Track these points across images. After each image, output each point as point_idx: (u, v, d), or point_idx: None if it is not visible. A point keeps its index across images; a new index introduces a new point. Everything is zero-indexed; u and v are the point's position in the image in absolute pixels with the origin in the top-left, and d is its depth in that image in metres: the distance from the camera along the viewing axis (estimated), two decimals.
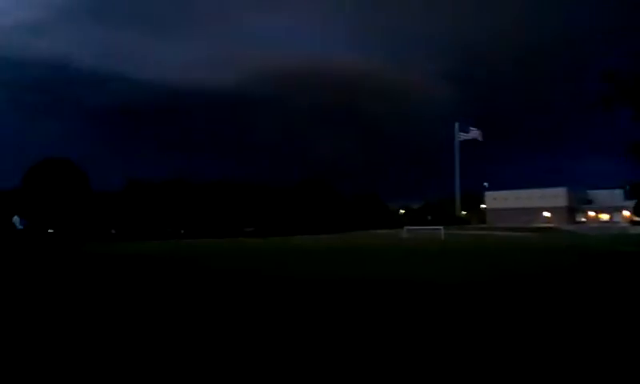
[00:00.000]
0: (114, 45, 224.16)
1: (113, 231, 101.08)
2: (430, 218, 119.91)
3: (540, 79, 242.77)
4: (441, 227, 69.07)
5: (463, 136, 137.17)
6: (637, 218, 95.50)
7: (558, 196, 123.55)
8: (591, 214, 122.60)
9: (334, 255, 30.53)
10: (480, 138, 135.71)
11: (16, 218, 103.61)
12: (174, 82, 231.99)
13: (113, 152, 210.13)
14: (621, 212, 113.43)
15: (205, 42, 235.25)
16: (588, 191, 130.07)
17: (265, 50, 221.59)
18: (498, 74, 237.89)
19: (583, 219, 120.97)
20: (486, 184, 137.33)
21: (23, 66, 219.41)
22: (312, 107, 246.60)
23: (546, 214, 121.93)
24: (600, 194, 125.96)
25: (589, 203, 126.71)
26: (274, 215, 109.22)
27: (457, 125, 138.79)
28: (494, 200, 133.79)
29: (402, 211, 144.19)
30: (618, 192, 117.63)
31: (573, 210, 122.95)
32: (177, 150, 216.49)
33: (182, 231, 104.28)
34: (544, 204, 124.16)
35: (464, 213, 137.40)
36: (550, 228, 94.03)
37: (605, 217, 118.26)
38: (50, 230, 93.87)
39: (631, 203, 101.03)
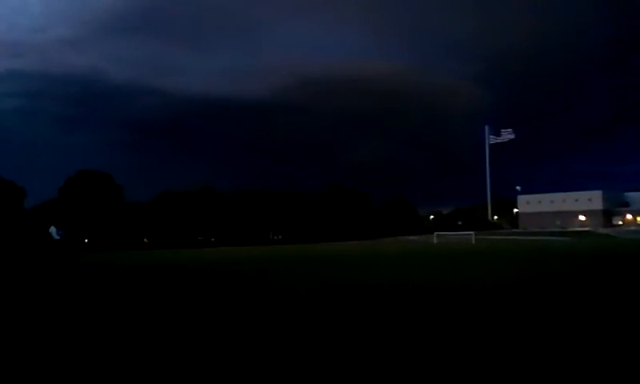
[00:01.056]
0: (148, 59, 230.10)
1: (145, 240, 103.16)
2: (460, 223, 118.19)
3: (574, 80, 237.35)
4: (472, 232, 68.01)
5: (494, 139, 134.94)
6: None
7: (593, 199, 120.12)
8: (628, 217, 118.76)
9: (373, 262, 30.40)
10: (511, 136, 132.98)
11: (53, 229, 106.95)
12: (205, 93, 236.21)
13: (145, 163, 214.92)
14: None
15: (234, 52, 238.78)
16: (625, 193, 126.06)
17: (294, 58, 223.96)
18: (531, 76, 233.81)
19: (620, 222, 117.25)
20: (518, 187, 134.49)
21: (61, 81, 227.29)
22: (341, 113, 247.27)
23: (581, 217, 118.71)
24: (637, 196, 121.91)
25: (626, 206, 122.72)
26: (301, 222, 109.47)
27: (487, 128, 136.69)
28: (527, 204, 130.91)
29: (431, 217, 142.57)
30: None
31: (609, 213, 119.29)
32: (207, 159, 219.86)
33: (213, 239, 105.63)
34: (579, 207, 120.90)
35: (496, 218, 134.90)
36: (585, 232, 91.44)
37: None
38: (85, 240, 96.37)
39: None
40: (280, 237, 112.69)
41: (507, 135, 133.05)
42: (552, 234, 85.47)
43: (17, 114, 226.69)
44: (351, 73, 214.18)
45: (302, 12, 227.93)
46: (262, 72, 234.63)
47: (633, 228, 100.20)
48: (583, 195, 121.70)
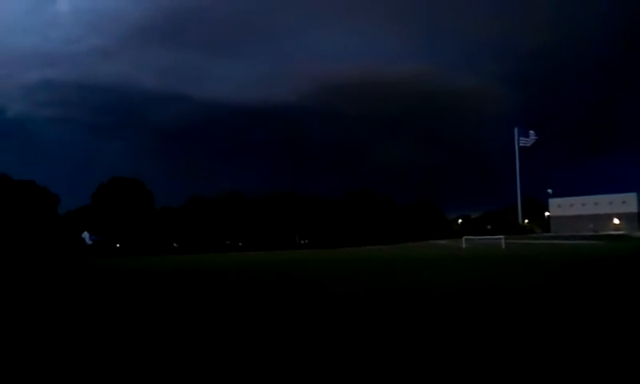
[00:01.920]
0: (178, 66, 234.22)
1: (175, 245, 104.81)
2: (489, 227, 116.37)
3: (607, 79, 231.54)
4: (501, 237, 66.92)
5: (523, 141, 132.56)
6: None
7: (627, 201, 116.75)
8: None
9: (407, 266, 30.23)
10: (533, 142, 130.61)
11: (86, 234, 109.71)
12: (234, 99, 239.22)
13: (175, 169, 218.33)
14: None
15: (261, 59, 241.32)
16: None
17: (320, 63, 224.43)
18: (561, 76, 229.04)
19: None
20: (549, 190, 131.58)
21: (93, 90, 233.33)
22: (368, 117, 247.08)
23: (616, 220, 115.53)
24: None
25: None
26: (328, 227, 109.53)
27: (516, 130, 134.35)
28: (558, 207, 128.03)
29: (459, 221, 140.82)
30: None
31: None
32: (235, 164, 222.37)
33: (240, 244, 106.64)
34: (613, 210, 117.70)
35: (526, 221, 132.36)
36: (619, 235, 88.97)
37: None
38: (117, 245, 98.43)
39: None
40: (307, 241, 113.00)
41: (532, 138, 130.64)
42: (585, 237, 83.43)
43: (51, 123, 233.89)
44: (377, 76, 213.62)
45: (327, 19, 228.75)
46: (288, 78, 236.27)
47: None
48: (617, 198, 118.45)
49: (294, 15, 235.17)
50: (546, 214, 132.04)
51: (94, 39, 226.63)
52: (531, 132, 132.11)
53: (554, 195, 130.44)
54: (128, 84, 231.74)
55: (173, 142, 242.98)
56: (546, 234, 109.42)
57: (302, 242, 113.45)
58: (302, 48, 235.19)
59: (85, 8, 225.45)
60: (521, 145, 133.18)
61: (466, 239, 71.05)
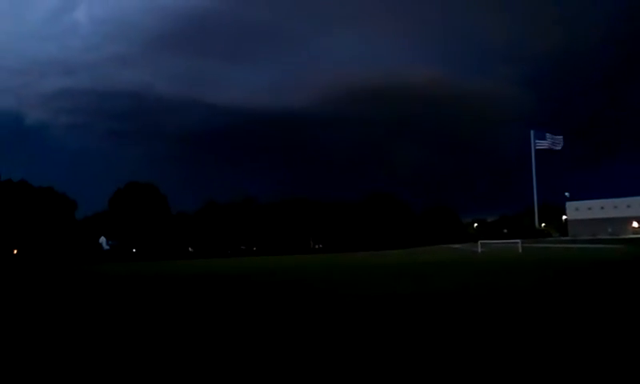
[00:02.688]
0: (194, 73, 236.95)
1: (190, 249, 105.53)
2: (505, 231, 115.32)
3: (623, 81, 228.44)
4: (518, 241, 66.13)
5: (539, 144, 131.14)
6: None
7: None
8: None
9: (425, 271, 30.10)
10: (558, 147, 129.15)
11: (103, 239, 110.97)
12: (250, 105, 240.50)
13: (191, 174, 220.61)
14: None
15: (277, 65, 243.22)
16: None
17: (336, 69, 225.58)
18: (577, 78, 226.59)
19: None
20: (567, 194, 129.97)
21: (111, 97, 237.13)
22: (383, 121, 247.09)
23: (635, 224, 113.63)
24: None
25: None
26: (342, 231, 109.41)
27: (532, 133, 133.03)
28: (576, 210, 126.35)
29: (475, 224, 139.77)
30: None
31: None
32: (251, 170, 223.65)
33: (255, 248, 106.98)
34: (632, 213, 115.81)
35: (543, 225, 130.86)
36: (637, 239, 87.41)
37: None
38: (133, 250, 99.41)
39: None
40: (321, 246, 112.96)
41: (555, 143, 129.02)
42: (604, 241, 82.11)
43: (69, 130, 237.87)
44: (392, 81, 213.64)
45: (341, 25, 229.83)
46: (303, 84, 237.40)
47: None
48: (636, 201, 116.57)
49: (308, 22, 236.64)
50: (564, 217, 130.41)
51: (112, 47, 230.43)
52: (548, 135, 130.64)
53: (572, 198, 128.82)
54: (145, 91, 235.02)
55: (189, 148, 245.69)
56: (563, 238, 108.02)
57: (317, 246, 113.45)
58: (316, 54, 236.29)
59: (102, 17, 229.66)
60: (537, 148, 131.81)
61: (481, 243, 70.37)
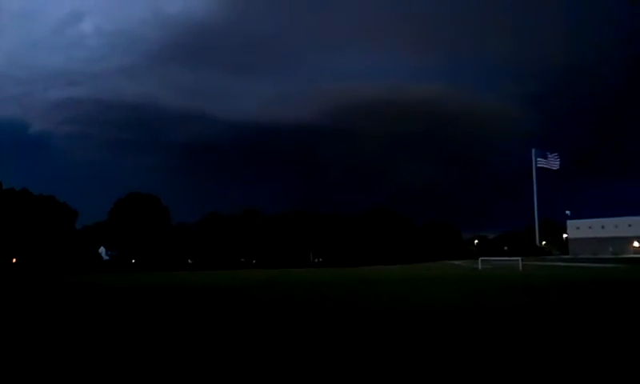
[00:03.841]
0: (198, 85, 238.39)
1: (190, 261, 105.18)
2: (506, 248, 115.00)
3: (626, 102, 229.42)
4: (518, 258, 65.86)
5: (540, 163, 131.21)
6: None
7: None
8: None
9: (429, 285, 29.94)
10: (557, 167, 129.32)
11: (102, 249, 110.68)
12: (253, 118, 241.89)
13: (193, 186, 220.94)
14: None
15: (281, 79, 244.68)
16: None
17: (340, 84, 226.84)
18: (580, 96, 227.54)
19: None
20: (568, 212, 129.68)
21: (115, 108, 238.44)
22: (386, 136, 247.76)
23: (636, 243, 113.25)
24: None
25: None
26: (343, 245, 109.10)
27: (534, 151, 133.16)
28: (577, 229, 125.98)
29: (476, 241, 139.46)
30: None
31: None
32: (254, 182, 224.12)
33: (254, 261, 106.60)
34: (633, 233, 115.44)
35: (544, 243, 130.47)
36: (638, 259, 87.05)
37: None
38: (132, 261, 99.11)
39: None
40: (321, 259, 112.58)
41: (554, 162, 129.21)
42: (604, 260, 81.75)
43: (72, 140, 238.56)
44: (396, 96, 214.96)
45: (347, 39, 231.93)
46: (308, 97, 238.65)
47: None
48: (637, 220, 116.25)
49: (312, 37, 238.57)
50: (564, 235, 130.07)
51: (117, 59, 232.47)
52: (549, 154, 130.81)
53: (573, 217, 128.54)
54: (149, 102, 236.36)
55: (192, 160, 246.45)
56: (564, 256, 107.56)
57: (317, 260, 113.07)
58: (321, 68, 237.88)
59: (109, 29, 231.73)
60: (538, 166, 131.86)
61: (482, 260, 70.09)
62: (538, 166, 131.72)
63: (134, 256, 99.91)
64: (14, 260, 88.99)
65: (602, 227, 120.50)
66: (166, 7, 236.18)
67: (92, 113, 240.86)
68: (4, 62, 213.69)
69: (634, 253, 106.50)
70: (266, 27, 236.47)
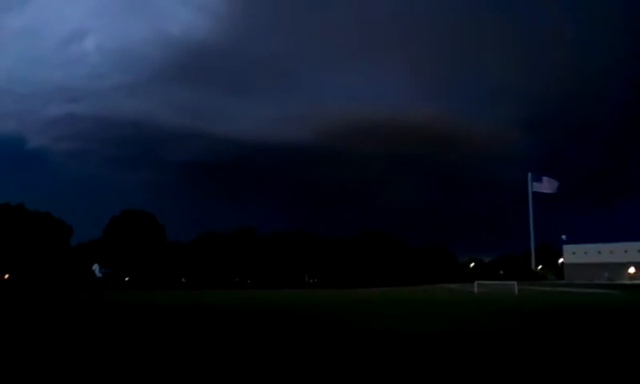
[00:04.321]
0: (198, 105, 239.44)
1: (183, 280, 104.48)
2: (502, 272, 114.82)
3: (622, 127, 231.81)
4: (514, 282, 65.74)
5: (536, 187, 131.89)
6: None
7: None
8: None
9: (428, 309, 29.76)
10: (554, 190, 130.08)
11: (96, 266, 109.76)
12: (251, 138, 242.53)
13: (190, 204, 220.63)
14: None
15: (280, 100, 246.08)
16: None
17: (337, 104, 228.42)
18: (576, 122, 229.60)
19: None
20: (564, 237, 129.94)
21: (113, 124, 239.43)
22: (383, 158, 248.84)
23: (631, 269, 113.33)
24: None
25: None
26: (338, 266, 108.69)
27: (530, 175, 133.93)
28: (572, 254, 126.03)
29: (472, 264, 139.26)
30: None
31: None
32: (250, 202, 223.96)
33: (249, 281, 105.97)
34: (628, 259, 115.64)
35: (540, 267, 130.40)
36: (636, 285, 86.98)
37: None
38: (126, 279, 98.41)
39: None
40: (316, 280, 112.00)
41: (550, 186, 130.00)
42: (600, 286, 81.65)
43: (69, 156, 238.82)
44: (394, 119, 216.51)
45: (345, 61, 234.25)
46: (305, 118, 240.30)
47: None
48: (633, 246, 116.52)
49: (313, 58, 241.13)
50: (560, 260, 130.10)
51: (118, 77, 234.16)
52: (545, 178, 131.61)
53: (569, 242, 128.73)
54: (148, 120, 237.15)
55: (189, 178, 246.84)
56: (559, 282, 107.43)
57: (311, 281, 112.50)
58: (319, 89, 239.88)
59: (111, 47, 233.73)
60: (534, 190, 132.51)
61: (478, 284, 69.89)
62: (534, 190, 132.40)
63: (127, 274, 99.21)
64: (7, 276, 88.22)
65: (598, 253, 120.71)
66: (167, 27, 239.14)
67: (90, 129, 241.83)
68: (4, 78, 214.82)
69: (630, 279, 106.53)
70: (266, 48, 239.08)
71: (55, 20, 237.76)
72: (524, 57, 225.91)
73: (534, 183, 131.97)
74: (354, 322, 21.71)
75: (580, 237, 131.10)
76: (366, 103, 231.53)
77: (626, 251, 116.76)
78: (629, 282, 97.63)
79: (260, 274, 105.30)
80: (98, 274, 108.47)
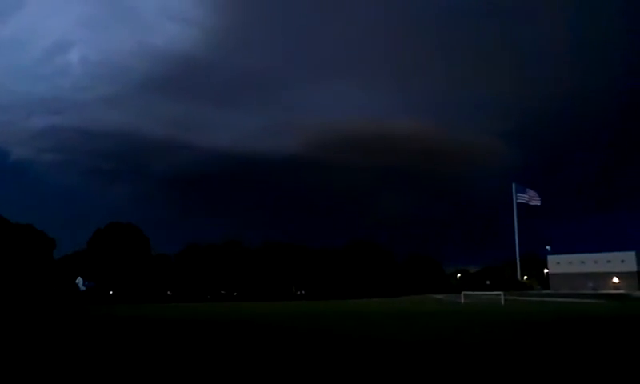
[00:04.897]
0: (182, 116, 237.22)
1: (169, 293, 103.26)
2: (488, 282, 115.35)
3: (604, 139, 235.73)
4: (500, 293, 66.18)
5: (520, 198, 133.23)
6: None
7: (626, 260, 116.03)
8: None
9: (414, 319, 29.72)
10: (537, 202, 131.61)
11: (79, 280, 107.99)
12: (237, 149, 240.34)
13: (176, 216, 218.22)
14: None
15: (266, 111, 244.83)
16: None
17: (323, 116, 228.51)
18: (563, 134, 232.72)
19: None
20: (548, 247, 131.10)
21: (97, 136, 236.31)
22: (370, 170, 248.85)
23: (615, 279, 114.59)
24: None
25: None
26: (326, 278, 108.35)
27: (514, 186, 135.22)
28: (557, 264, 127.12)
29: (458, 275, 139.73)
30: None
31: None
32: (237, 213, 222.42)
33: (235, 293, 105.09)
34: (612, 269, 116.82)
35: (525, 277, 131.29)
36: (619, 295, 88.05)
37: None
38: (110, 292, 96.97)
39: None
40: (303, 292, 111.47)
41: (533, 198, 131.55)
42: (585, 296, 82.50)
43: (53, 168, 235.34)
44: (380, 130, 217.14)
45: (331, 74, 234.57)
46: (291, 129, 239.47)
47: None
48: (616, 256, 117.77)
49: (298, 69, 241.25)
50: (545, 270, 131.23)
51: (102, 88, 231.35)
52: (529, 189, 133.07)
53: (553, 252, 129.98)
54: (133, 132, 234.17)
55: (174, 190, 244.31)
56: (544, 291, 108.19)
57: (299, 292, 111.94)
58: (304, 101, 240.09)
59: (95, 59, 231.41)
60: (518, 201, 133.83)
61: (464, 294, 70.19)
62: (518, 201, 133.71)
63: (111, 287, 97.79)
64: None
65: (582, 262, 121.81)
66: (152, 39, 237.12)
67: (74, 141, 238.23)
68: None
69: (614, 288, 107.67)
70: (251, 60, 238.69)
71: (39, 32, 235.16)
72: (510, 69, 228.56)
73: (518, 194, 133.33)
74: (342, 333, 21.63)
75: (565, 246, 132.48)
76: (352, 115, 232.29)
77: (609, 261, 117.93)
78: (613, 292, 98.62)
79: (247, 286, 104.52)
80: (82, 288, 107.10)
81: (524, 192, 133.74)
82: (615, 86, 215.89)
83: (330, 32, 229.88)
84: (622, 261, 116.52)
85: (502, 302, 60.44)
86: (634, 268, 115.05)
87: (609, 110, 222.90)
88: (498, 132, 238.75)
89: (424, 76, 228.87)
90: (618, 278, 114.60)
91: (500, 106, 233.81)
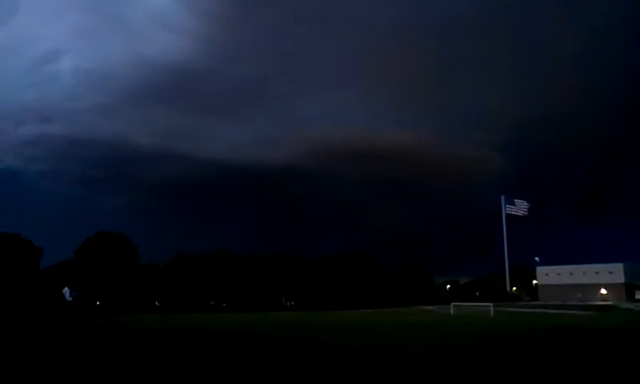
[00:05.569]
0: (174, 126, 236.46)
1: (157, 303, 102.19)
2: (478, 293, 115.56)
3: (595, 152, 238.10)
4: (490, 304, 66.18)
5: (509, 209, 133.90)
6: None
7: (614, 272, 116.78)
8: None
9: (410, 331, 29.52)
10: (525, 213, 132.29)
11: (66, 290, 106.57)
12: (229, 159, 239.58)
13: (166, 225, 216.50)
14: None
15: (259, 122, 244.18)
16: None
17: (317, 127, 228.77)
18: (554, 146, 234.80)
19: None
20: (537, 258, 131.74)
21: (87, 145, 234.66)
22: (362, 181, 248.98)
23: (603, 290, 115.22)
24: None
25: None
26: (315, 288, 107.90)
27: (503, 197, 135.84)
28: (546, 276, 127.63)
29: (448, 286, 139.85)
30: None
31: (632, 286, 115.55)
32: (229, 223, 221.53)
33: (224, 304, 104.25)
34: (600, 280, 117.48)
35: (514, 289, 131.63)
36: (607, 306, 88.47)
37: None
38: (97, 302, 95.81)
39: None
40: (293, 303, 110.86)
41: (521, 209, 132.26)
42: (573, 307, 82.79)
43: (43, 177, 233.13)
44: (372, 142, 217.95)
45: (325, 85, 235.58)
46: (285, 140, 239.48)
47: None
48: (604, 268, 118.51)
49: (291, 81, 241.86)
50: (534, 282, 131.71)
51: (93, 97, 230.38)
52: (518, 200, 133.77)
53: (542, 263, 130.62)
54: (123, 141, 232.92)
55: (165, 200, 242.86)
56: (533, 303, 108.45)
57: (288, 303, 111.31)
58: (298, 112, 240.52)
59: (86, 68, 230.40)
60: (507, 212, 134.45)
61: (454, 306, 70.12)
62: (507, 212, 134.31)
63: (98, 298, 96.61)
64: None
65: (571, 274, 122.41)
66: (144, 48, 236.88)
67: (64, 150, 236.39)
68: None
69: (602, 300, 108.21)
70: (243, 71, 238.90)
71: (31, 40, 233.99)
72: (503, 82, 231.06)
73: (507, 206, 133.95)
74: (332, 344, 21.41)
75: (553, 258, 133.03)
76: (345, 126, 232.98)
77: (597, 273, 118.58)
78: (601, 303, 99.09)
79: (236, 297, 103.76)
80: (69, 298, 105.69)
81: (513, 203, 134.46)
82: (608, 103, 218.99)
83: (324, 43, 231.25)
84: (610, 272, 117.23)
85: (492, 313, 60.43)
86: (621, 280, 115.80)
87: (600, 126, 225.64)
88: (490, 144, 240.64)
89: (417, 89, 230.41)
90: (606, 289, 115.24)
91: (493, 119, 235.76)
